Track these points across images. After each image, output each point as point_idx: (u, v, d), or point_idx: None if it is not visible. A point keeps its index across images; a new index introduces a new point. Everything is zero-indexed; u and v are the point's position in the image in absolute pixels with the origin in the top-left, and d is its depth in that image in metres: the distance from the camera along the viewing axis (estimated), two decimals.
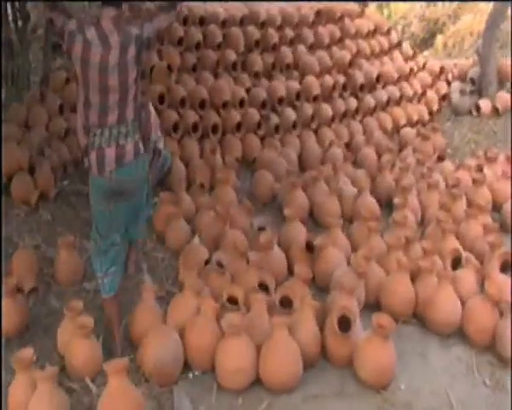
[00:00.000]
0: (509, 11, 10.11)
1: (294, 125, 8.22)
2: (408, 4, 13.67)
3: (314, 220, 6.53)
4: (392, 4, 14.50)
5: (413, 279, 5.09)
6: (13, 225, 5.84)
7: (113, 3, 4.00)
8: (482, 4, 12.50)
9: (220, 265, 5.13)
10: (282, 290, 4.71)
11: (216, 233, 5.75)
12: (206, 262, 5.32)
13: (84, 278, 5.42)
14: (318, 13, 9.43)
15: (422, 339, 4.88)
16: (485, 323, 4.68)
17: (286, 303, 4.66)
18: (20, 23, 8.00)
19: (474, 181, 6.79)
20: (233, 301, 4.65)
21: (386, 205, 6.66)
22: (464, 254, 5.38)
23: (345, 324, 4.41)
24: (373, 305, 5.10)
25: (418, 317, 5.03)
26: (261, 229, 5.82)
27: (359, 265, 4.97)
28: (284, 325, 4.18)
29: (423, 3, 12.99)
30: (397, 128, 9.03)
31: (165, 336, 4.29)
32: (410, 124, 9.24)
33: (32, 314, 4.90)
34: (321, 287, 5.36)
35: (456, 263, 5.34)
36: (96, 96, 4.01)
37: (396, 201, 6.22)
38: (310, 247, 5.56)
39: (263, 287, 4.89)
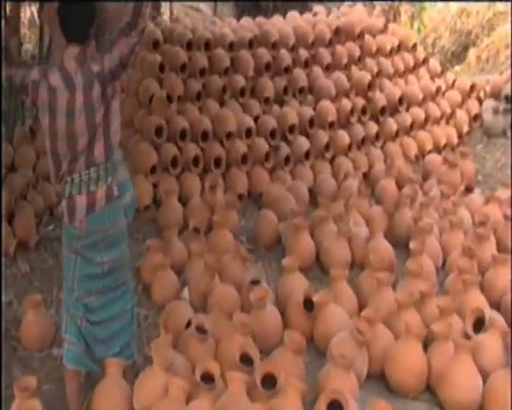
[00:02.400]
0: None
1: (307, 156, 7.51)
2: (439, 15, 12.90)
3: (321, 267, 5.80)
4: (424, 14, 13.75)
5: (427, 345, 4.33)
6: None
7: (78, 40, 3.67)
8: None
9: (201, 329, 4.45)
10: (265, 366, 3.99)
11: (205, 287, 5.08)
12: (189, 323, 4.64)
13: (54, 341, 4.79)
14: (336, 30, 8.73)
15: None
16: (510, 404, 3.86)
17: (271, 380, 3.94)
18: None
19: (505, 217, 5.97)
20: (211, 376, 3.96)
21: (405, 246, 5.87)
22: (489, 313, 4.57)
23: (338, 407, 3.67)
24: (378, 375, 4.37)
25: (431, 391, 4.25)
26: (255, 282, 5.11)
27: (361, 331, 4.23)
28: None
29: (454, 13, 12.18)
30: (422, 154, 8.25)
31: None
32: (437, 149, 8.44)
33: None
34: (321, 351, 4.64)
35: (480, 323, 4.55)
36: (64, 144, 3.67)
37: (412, 245, 5.44)
38: (310, 303, 4.84)
39: (247, 358, 4.19)
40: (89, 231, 3.75)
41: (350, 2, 11.12)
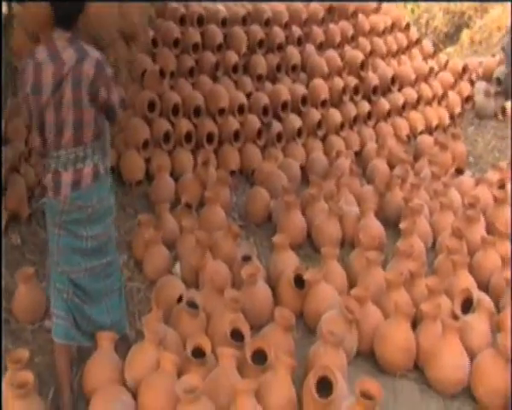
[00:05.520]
0: None
1: (299, 133, 7.52)
2: None
3: (312, 245, 5.84)
4: None
5: (415, 324, 4.39)
6: None
7: (64, 24, 3.61)
8: None
9: (193, 304, 4.48)
10: (255, 342, 4.03)
11: (196, 263, 5.11)
12: (181, 298, 4.67)
13: (46, 313, 4.80)
14: (329, 9, 8.69)
15: (422, 399, 4.15)
16: (496, 383, 3.93)
17: (261, 356, 3.99)
18: None
19: (495, 200, 6.02)
20: (202, 351, 4.00)
21: (396, 226, 5.90)
22: (477, 294, 4.62)
23: (327, 384, 3.71)
24: (367, 353, 4.43)
25: (419, 370, 4.31)
26: (246, 258, 5.14)
27: (350, 309, 4.27)
28: (249, 392, 3.51)
29: None
30: (414, 134, 8.28)
31: (112, 397, 3.67)
32: (429, 129, 8.47)
33: None
34: (311, 328, 4.69)
35: (469, 304, 4.60)
36: (50, 117, 3.61)
37: (403, 226, 5.48)
38: (300, 280, 4.88)
39: (238, 334, 4.23)
40: (73, 207, 3.73)
41: None
